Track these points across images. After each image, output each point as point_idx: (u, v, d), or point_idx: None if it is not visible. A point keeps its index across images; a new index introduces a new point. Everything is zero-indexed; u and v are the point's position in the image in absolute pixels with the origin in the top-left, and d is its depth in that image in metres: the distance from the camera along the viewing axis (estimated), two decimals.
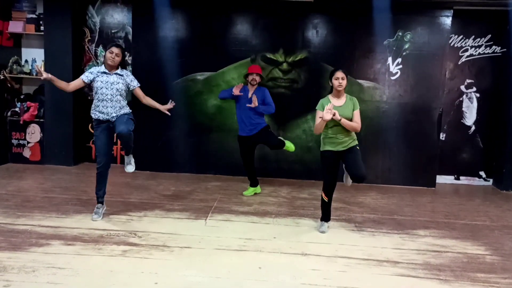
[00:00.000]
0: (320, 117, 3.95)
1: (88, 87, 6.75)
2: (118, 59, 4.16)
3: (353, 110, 4.12)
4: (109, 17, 6.72)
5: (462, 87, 6.59)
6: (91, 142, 6.83)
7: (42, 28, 6.55)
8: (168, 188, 5.69)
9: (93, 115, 4.27)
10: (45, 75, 4.10)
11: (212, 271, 3.32)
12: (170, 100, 4.56)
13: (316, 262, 3.57)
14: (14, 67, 6.69)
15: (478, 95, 6.59)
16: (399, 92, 6.30)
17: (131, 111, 4.36)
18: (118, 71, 4.23)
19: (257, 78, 5.22)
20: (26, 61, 6.78)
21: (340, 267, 3.51)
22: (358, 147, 4.19)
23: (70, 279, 3.11)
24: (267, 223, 4.50)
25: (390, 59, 6.24)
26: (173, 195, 5.37)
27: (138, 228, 4.17)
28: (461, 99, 6.62)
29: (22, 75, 6.73)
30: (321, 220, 4.37)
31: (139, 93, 4.38)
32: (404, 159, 6.35)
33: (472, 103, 6.61)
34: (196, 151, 6.53)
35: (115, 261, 3.43)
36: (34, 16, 6.61)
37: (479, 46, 6.48)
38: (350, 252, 3.82)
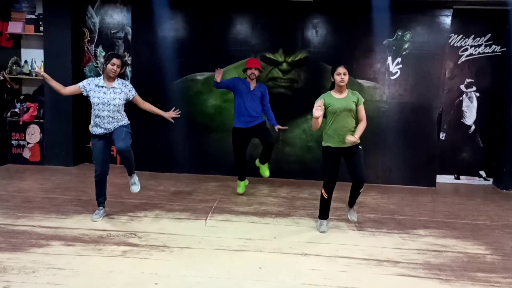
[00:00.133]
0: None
1: None
2: (118, 70, 4.16)
3: (357, 105, 4.11)
4: (108, 17, 6.72)
5: (462, 87, 6.59)
6: (90, 142, 6.80)
7: (41, 28, 6.55)
8: (168, 189, 5.69)
9: (91, 131, 4.27)
10: (37, 69, 4.12)
11: (212, 272, 3.31)
12: (174, 108, 4.52)
13: (317, 262, 3.57)
14: (14, 67, 6.69)
15: (478, 94, 6.58)
16: (399, 91, 6.30)
17: (129, 122, 4.34)
18: (115, 83, 4.19)
19: (256, 72, 5.14)
20: (26, 61, 6.78)
21: (341, 267, 3.51)
22: (361, 147, 4.18)
23: (70, 279, 3.10)
24: (267, 223, 4.49)
25: (390, 59, 6.24)
26: (173, 196, 5.37)
27: (138, 228, 4.17)
28: (461, 98, 6.61)
29: (21, 76, 6.73)
30: (320, 218, 4.36)
31: (138, 100, 4.35)
32: (404, 158, 6.35)
33: (472, 102, 6.61)
34: (196, 151, 6.53)
35: (115, 261, 3.43)
36: (33, 16, 6.61)
37: (479, 46, 6.48)
38: (351, 252, 3.81)
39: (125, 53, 6.70)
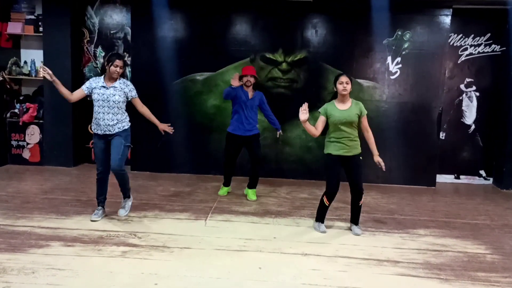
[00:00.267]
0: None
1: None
2: (122, 71, 4.17)
3: (360, 116, 4.10)
4: (108, 17, 6.71)
5: (462, 86, 6.59)
6: (90, 143, 6.82)
7: (41, 29, 6.54)
8: (168, 189, 5.68)
9: (93, 129, 4.29)
10: (42, 73, 4.10)
11: (212, 272, 3.31)
12: (170, 124, 4.48)
13: (317, 262, 3.57)
14: (13, 68, 6.68)
15: (477, 94, 6.58)
16: (398, 91, 6.29)
17: (130, 124, 4.33)
18: (116, 83, 4.19)
19: (252, 80, 5.11)
20: (25, 62, 6.77)
21: (341, 267, 3.51)
22: (361, 157, 4.19)
23: (70, 280, 3.10)
24: (267, 223, 4.49)
25: (389, 59, 6.24)
26: (173, 196, 5.37)
27: (138, 229, 4.17)
28: (460, 98, 6.61)
29: (21, 76, 6.73)
30: (317, 220, 4.36)
31: (137, 103, 4.34)
32: (404, 158, 6.34)
33: (471, 102, 6.61)
34: (195, 152, 6.53)
35: (115, 262, 3.42)
36: (33, 17, 6.61)
37: (479, 45, 6.48)
38: (351, 252, 3.81)
39: (125, 53, 6.69)
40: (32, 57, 6.74)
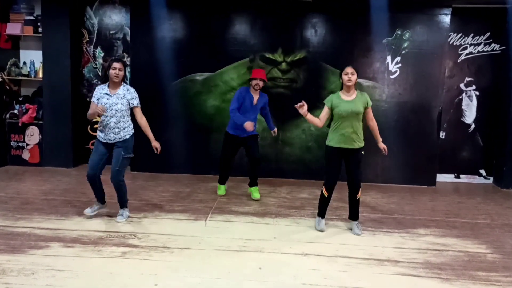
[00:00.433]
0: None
1: (87, 88, 6.80)
2: (121, 73, 4.15)
3: (365, 107, 4.11)
4: (107, 18, 6.70)
5: (462, 85, 6.58)
6: (90, 144, 6.81)
7: (40, 30, 6.53)
8: (168, 189, 5.68)
9: (98, 132, 4.31)
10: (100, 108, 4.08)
11: (212, 272, 3.30)
12: (159, 146, 4.37)
13: (317, 262, 3.56)
14: (13, 69, 6.67)
15: (477, 93, 6.57)
16: (398, 91, 6.29)
17: (133, 132, 4.33)
18: (120, 90, 4.19)
19: (261, 84, 5.08)
20: (25, 63, 6.76)
21: (341, 266, 3.50)
22: (363, 152, 4.19)
23: (69, 281, 3.10)
24: (267, 223, 4.48)
25: (389, 58, 6.23)
26: (172, 196, 5.36)
27: (137, 229, 4.16)
28: (460, 97, 6.60)
29: (20, 77, 6.72)
30: (318, 215, 4.36)
31: (137, 113, 4.31)
32: (404, 158, 6.34)
33: (471, 101, 6.60)
34: (195, 152, 6.52)
35: (114, 263, 3.42)
36: (32, 18, 6.60)
37: (478, 44, 6.47)
38: (351, 251, 3.81)
39: (124, 54, 6.68)
40: (31, 57, 6.73)
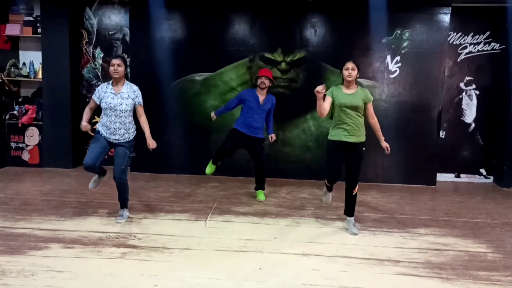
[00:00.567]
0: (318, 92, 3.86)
1: (87, 89, 6.79)
2: (121, 69, 4.14)
3: (365, 102, 4.10)
4: (106, 18, 6.70)
5: (462, 85, 6.58)
6: (91, 140, 6.80)
7: (39, 30, 6.52)
8: (168, 190, 5.67)
9: (98, 127, 4.28)
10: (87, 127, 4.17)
11: (212, 273, 3.30)
12: (155, 145, 4.29)
13: (317, 262, 3.55)
14: (12, 70, 6.67)
15: (477, 92, 6.57)
16: (398, 90, 6.28)
17: (136, 133, 4.32)
18: (124, 88, 4.18)
19: (266, 82, 5.05)
20: (24, 63, 6.75)
21: (341, 266, 3.49)
22: (364, 148, 4.19)
23: (69, 282, 3.09)
24: (267, 224, 4.48)
25: (388, 57, 6.23)
26: (172, 197, 5.35)
27: (137, 230, 4.15)
28: (460, 96, 6.60)
29: (20, 78, 6.71)
30: (325, 189, 4.40)
31: (139, 110, 4.30)
32: (404, 157, 6.33)
33: (471, 100, 6.60)
34: (195, 152, 6.51)
35: (114, 263, 3.41)
36: (31, 18, 6.59)
37: (478, 43, 6.47)
38: (351, 251, 3.80)
39: (124, 54, 6.68)
40: (31, 58, 6.72)
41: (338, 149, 4.13)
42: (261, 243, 3.92)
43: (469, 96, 6.59)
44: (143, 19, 6.31)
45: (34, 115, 6.62)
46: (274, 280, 3.21)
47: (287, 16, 6.23)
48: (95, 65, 6.76)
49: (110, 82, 4.23)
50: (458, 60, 6.52)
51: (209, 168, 5.37)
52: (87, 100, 6.70)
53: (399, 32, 6.18)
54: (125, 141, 4.25)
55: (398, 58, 6.22)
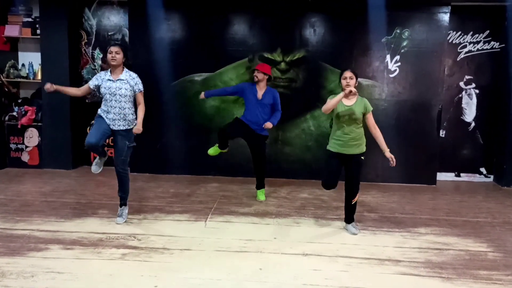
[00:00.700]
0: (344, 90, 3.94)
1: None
2: (119, 56, 4.10)
3: (365, 113, 4.07)
4: (105, 19, 6.69)
5: (461, 84, 6.57)
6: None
7: (38, 31, 6.52)
8: (168, 190, 5.66)
9: (99, 112, 4.25)
10: (49, 87, 4.12)
11: (213, 273, 3.29)
12: (140, 130, 4.19)
13: (317, 262, 3.55)
14: (11, 71, 6.66)
15: (477, 91, 6.56)
16: (398, 89, 6.28)
17: (136, 122, 4.26)
18: (122, 75, 4.16)
19: (259, 76, 5.03)
20: (23, 65, 6.75)
21: (342, 266, 3.49)
22: (363, 157, 4.16)
23: (69, 283, 3.08)
24: (268, 224, 4.47)
25: (388, 57, 6.22)
26: (172, 197, 5.35)
27: (137, 231, 4.14)
28: (460, 95, 6.59)
29: (19, 79, 6.70)
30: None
31: (138, 97, 4.27)
32: (404, 157, 6.28)
33: (471, 99, 6.59)
34: (195, 153, 6.50)
35: (114, 264, 3.40)
36: (30, 19, 6.58)
37: (478, 42, 6.46)
38: (351, 251, 3.79)
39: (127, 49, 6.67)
40: (30, 59, 6.72)
41: (336, 158, 4.13)
42: (261, 243, 3.92)
43: (469, 95, 6.58)
44: (142, 19, 6.30)
45: (33, 116, 6.61)
46: (275, 280, 3.21)
47: (286, 16, 6.23)
48: (95, 66, 6.76)
49: (109, 70, 4.20)
50: (458, 59, 6.52)
51: (212, 150, 5.31)
52: (87, 101, 6.70)
53: (398, 31, 6.17)
54: (124, 128, 4.21)
55: (397, 57, 6.21)
